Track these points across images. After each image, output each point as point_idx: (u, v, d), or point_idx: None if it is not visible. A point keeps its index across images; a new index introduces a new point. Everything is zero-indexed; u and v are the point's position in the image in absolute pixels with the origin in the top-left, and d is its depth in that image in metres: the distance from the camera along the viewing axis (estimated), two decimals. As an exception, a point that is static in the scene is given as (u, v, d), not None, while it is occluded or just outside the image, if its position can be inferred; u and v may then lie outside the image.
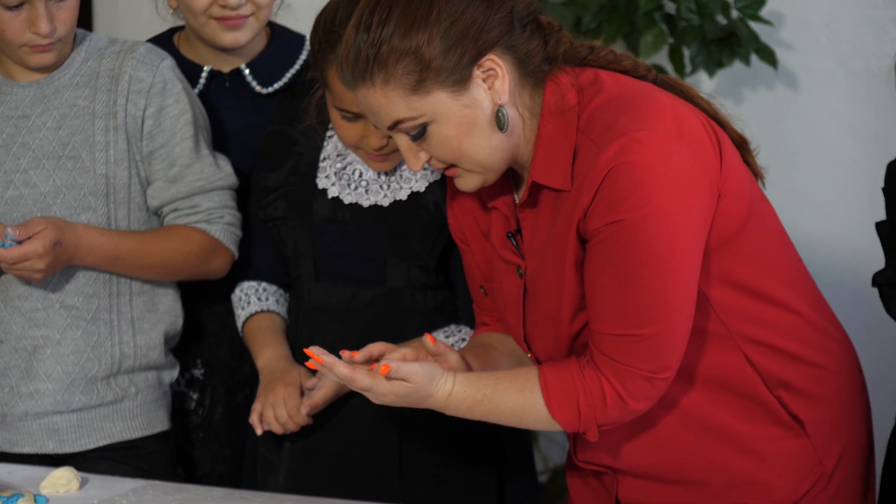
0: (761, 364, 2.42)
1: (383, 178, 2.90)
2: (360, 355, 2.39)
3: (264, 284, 3.03)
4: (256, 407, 2.84)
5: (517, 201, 2.49)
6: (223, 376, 3.16)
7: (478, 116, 2.34)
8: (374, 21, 2.32)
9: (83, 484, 2.71)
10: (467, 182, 2.41)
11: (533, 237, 2.44)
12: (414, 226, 2.87)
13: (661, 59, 4.02)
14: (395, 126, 2.36)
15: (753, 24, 3.91)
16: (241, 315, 3.02)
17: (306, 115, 2.94)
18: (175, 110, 2.92)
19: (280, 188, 2.96)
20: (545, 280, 2.42)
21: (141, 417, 2.97)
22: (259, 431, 2.85)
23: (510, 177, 2.49)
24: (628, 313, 2.31)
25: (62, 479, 2.67)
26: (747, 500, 2.45)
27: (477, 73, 2.32)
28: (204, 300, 3.12)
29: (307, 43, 3.14)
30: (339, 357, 2.36)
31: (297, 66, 3.14)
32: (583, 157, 2.32)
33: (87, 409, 2.93)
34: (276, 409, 2.81)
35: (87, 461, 2.92)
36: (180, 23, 3.16)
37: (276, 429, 2.83)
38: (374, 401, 2.37)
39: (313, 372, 2.86)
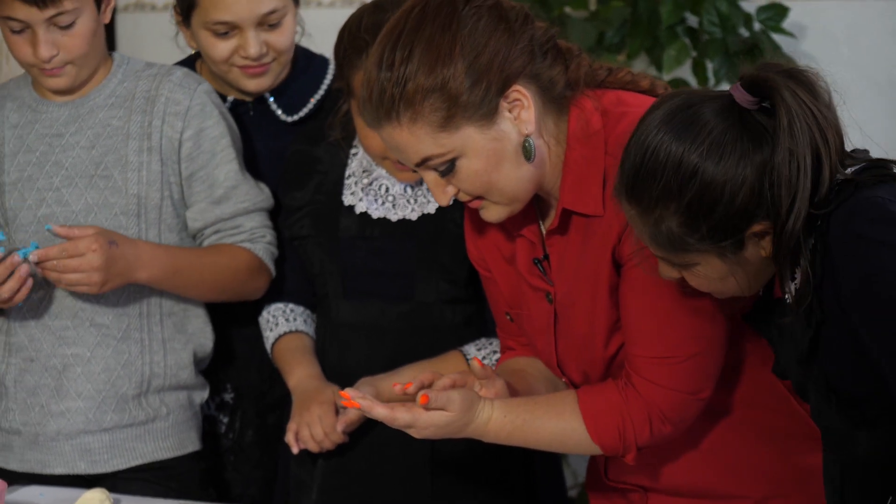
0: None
1: (409, 191, 2.90)
2: (412, 387, 2.37)
3: (291, 305, 3.03)
4: (292, 426, 2.84)
5: (543, 227, 2.48)
6: (253, 399, 3.16)
7: (505, 148, 2.32)
8: (396, 58, 2.28)
9: (115, 504, 2.73)
10: (493, 213, 2.39)
11: (562, 263, 2.43)
12: (443, 239, 2.87)
13: (685, 72, 4.02)
14: (422, 163, 2.33)
15: (776, 36, 3.91)
16: (269, 337, 3.02)
17: (332, 131, 2.94)
18: (215, 132, 2.92)
19: (306, 206, 2.96)
20: (577, 305, 2.42)
21: (172, 438, 2.97)
22: (295, 450, 2.84)
23: (535, 203, 2.47)
24: (667, 336, 2.32)
25: (94, 501, 2.66)
26: None
27: (503, 104, 2.30)
28: (232, 324, 3.11)
29: (330, 66, 3.14)
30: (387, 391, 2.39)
31: (321, 92, 3.14)
32: (613, 182, 2.30)
33: (118, 429, 2.93)
34: (312, 428, 2.81)
35: (120, 482, 2.92)
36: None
37: (312, 447, 2.83)
38: (416, 436, 2.35)
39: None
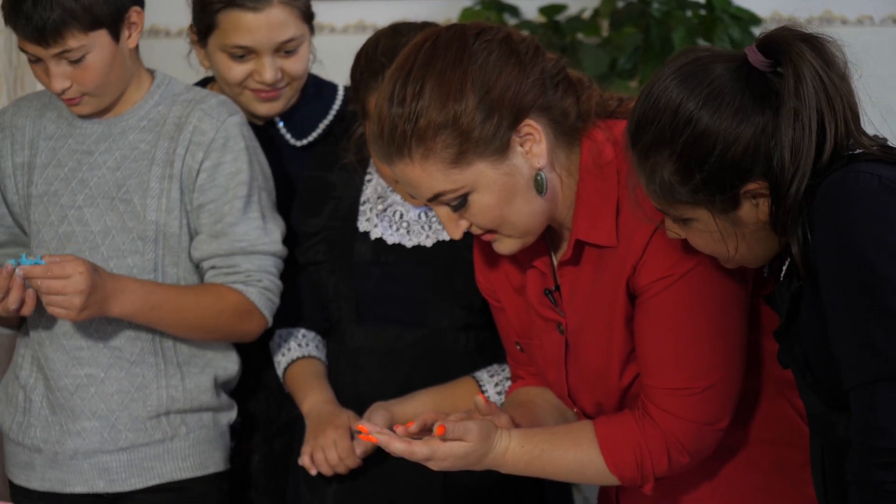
0: (802, 407, 2.43)
1: (424, 218, 2.90)
2: (415, 426, 2.36)
3: (303, 331, 3.03)
4: (306, 449, 2.84)
5: (554, 258, 2.47)
6: (261, 425, 3.15)
7: (518, 183, 2.31)
8: (407, 93, 2.27)
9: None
10: (506, 246, 2.39)
11: (574, 294, 2.43)
12: (457, 266, 2.87)
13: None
14: (435, 199, 2.33)
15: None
16: (281, 362, 3.02)
17: (346, 154, 2.95)
18: (232, 168, 2.89)
19: (321, 232, 2.97)
20: (590, 336, 2.41)
21: (193, 458, 2.96)
22: (313, 472, 2.83)
23: (546, 234, 2.46)
24: (684, 367, 2.32)
25: None
26: None
27: (515, 139, 2.30)
28: (240, 349, 3.09)
29: (340, 92, 3.16)
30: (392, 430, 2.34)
31: (330, 117, 3.15)
32: (627, 211, 2.31)
33: (135, 448, 2.92)
34: (327, 452, 2.81)
35: (139, 502, 2.93)
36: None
37: (326, 471, 2.82)
38: (435, 468, 2.34)
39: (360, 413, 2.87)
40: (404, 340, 2.91)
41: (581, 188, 2.36)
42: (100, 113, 2.92)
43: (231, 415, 3.03)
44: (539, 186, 2.32)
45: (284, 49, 2.99)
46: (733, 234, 2.12)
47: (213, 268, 2.90)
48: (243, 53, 2.99)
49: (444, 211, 2.36)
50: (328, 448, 2.81)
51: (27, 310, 2.75)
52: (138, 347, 2.92)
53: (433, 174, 2.29)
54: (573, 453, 2.38)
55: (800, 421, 2.43)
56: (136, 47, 2.90)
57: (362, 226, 2.93)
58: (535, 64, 2.32)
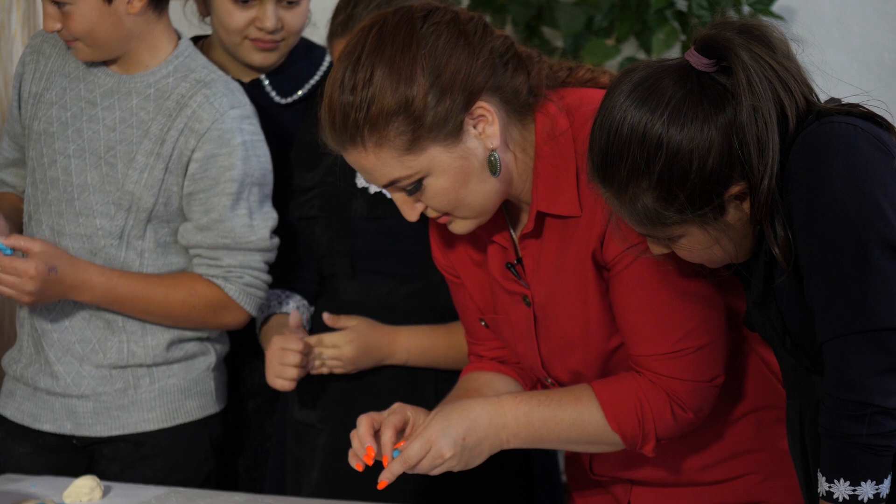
0: (774, 363, 2.41)
1: None
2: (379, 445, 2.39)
3: (287, 292, 3.04)
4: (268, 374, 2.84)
5: (514, 232, 2.47)
6: (232, 386, 3.15)
7: (472, 165, 2.31)
8: (357, 81, 2.26)
9: (106, 492, 2.73)
10: (461, 227, 2.39)
11: (538, 266, 2.42)
12: None
13: (674, 55, 4.01)
14: (390, 184, 2.33)
15: (765, 19, 3.91)
16: (259, 319, 3.03)
17: None
18: (225, 162, 2.88)
19: (316, 188, 2.96)
20: (562, 308, 2.41)
21: (160, 409, 2.97)
22: (287, 388, 2.82)
23: (504, 209, 2.46)
24: (671, 332, 2.32)
25: (84, 488, 2.69)
26: (769, 495, 2.47)
27: (468, 121, 2.29)
28: None
29: (328, 56, 3.14)
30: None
31: (317, 77, 3.15)
32: (587, 182, 2.30)
33: (100, 396, 2.95)
34: (284, 358, 2.80)
35: (107, 450, 2.96)
36: (206, 30, 3.17)
37: (292, 374, 2.81)
38: (434, 472, 2.36)
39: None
40: (398, 294, 2.92)
41: (538, 163, 2.36)
42: (114, 67, 2.93)
43: (210, 359, 3.02)
44: (493, 167, 2.32)
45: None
46: (725, 238, 2.11)
47: (198, 256, 2.94)
48: None
49: (399, 196, 2.35)
50: (274, 358, 2.80)
51: None
52: None
53: (387, 162, 2.29)
54: (571, 409, 2.37)
55: (771, 376, 2.44)
56: (161, 12, 2.91)
57: (360, 181, 2.92)
58: (484, 44, 2.31)
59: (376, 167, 2.30)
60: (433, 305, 2.90)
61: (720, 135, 2.03)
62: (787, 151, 2.04)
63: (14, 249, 2.80)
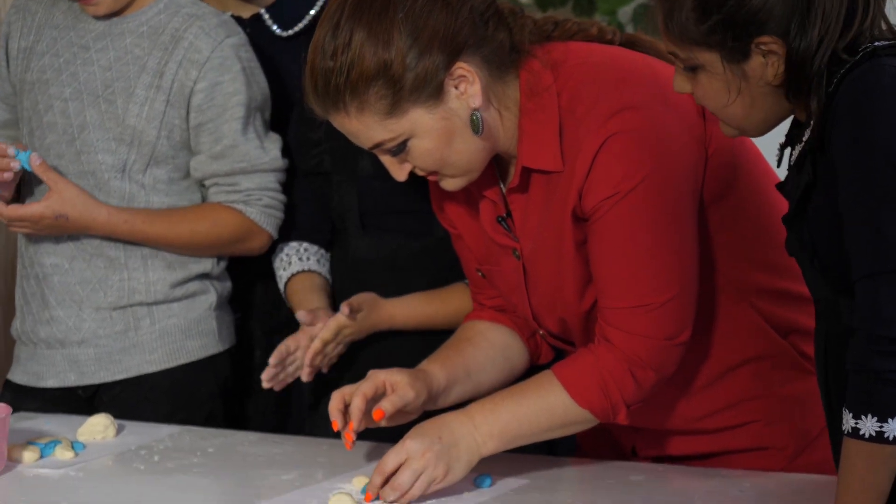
0: (769, 311, 2.44)
1: None
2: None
3: (305, 244, 3.03)
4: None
5: (503, 186, 2.48)
6: (259, 320, 3.16)
7: (455, 125, 2.32)
8: (337, 46, 2.27)
9: (120, 430, 2.75)
10: (451, 184, 2.41)
11: (526, 220, 2.44)
12: None
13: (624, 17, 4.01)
14: (375, 147, 2.35)
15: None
16: (282, 276, 3.03)
17: None
18: (230, 88, 2.92)
19: (324, 143, 2.96)
20: (544, 262, 2.43)
21: (161, 350, 2.98)
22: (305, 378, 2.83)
23: (494, 163, 2.47)
24: (640, 284, 2.32)
25: (99, 426, 2.71)
26: (773, 440, 2.49)
27: (449, 82, 2.30)
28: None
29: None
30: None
31: (318, 6, 3.11)
32: (569, 136, 2.31)
33: (100, 340, 2.97)
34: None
35: (114, 395, 2.96)
36: None
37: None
38: (412, 477, 2.32)
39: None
40: (408, 249, 2.92)
41: (522, 120, 2.37)
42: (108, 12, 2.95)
43: (210, 298, 3.03)
44: (475, 126, 2.33)
45: None
46: (738, 86, 2.09)
47: (215, 185, 2.96)
48: None
49: (386, 157, 2.38)
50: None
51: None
52: (99, 239, 2.95)
53: (370, 125, 2.31)
54: (535, 396, 2.37)
55: (765, 324, 2.45)
56: None
57: None
58: (463, 3, 2.30)
59: (360, 131, 2.32)
60: (442, 263, 2.90)
61: None
62: (835, 66, 2.02)
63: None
